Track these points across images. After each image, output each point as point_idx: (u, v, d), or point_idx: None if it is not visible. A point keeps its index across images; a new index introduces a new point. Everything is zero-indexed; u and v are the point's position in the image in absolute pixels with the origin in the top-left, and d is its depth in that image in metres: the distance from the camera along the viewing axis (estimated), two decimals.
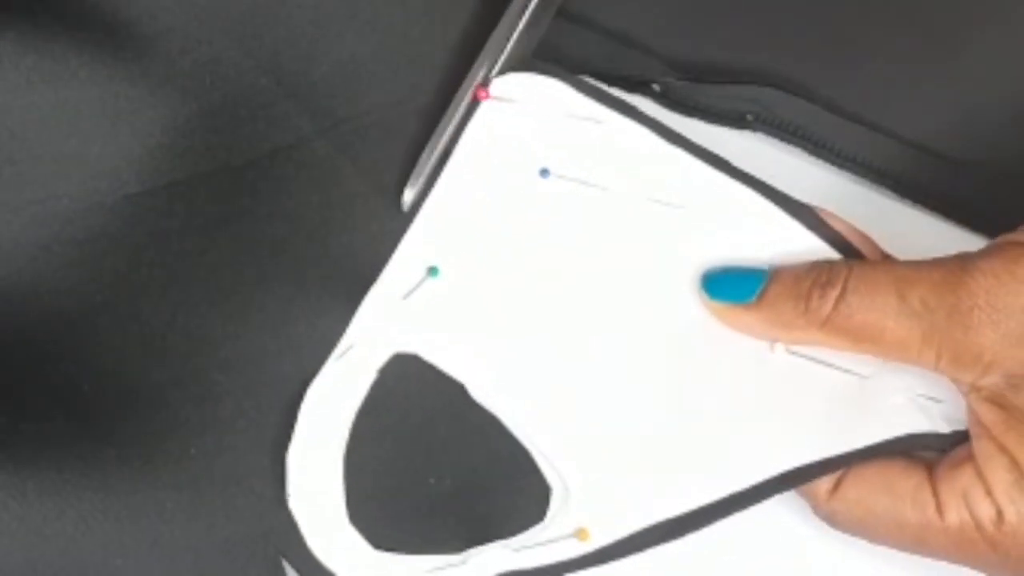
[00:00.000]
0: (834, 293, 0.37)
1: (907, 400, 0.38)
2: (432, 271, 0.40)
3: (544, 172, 0.40)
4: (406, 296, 0.40)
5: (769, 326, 0.38)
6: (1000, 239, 0.37)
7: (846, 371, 0.38)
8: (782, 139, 0.44)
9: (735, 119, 0.44)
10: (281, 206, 0.40)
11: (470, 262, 0.40)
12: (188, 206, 0.40)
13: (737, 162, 0.43)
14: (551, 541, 0.38)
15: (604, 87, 0.42)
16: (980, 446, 0.36)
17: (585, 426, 0.39)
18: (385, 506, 0.38)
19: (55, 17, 0.38)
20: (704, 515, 0.38)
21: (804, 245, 0.39)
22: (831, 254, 0.39)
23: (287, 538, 0.38)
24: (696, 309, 0.39)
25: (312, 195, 0.41)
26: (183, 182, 0.40)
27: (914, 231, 0.43)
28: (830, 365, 0.38)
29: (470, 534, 0.38)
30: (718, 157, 0.40)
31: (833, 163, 0.44)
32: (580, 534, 0.38)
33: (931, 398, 0.38)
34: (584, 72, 0.43)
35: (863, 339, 0.36)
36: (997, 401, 0.36)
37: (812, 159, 0.44)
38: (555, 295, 0.40)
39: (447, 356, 0.39)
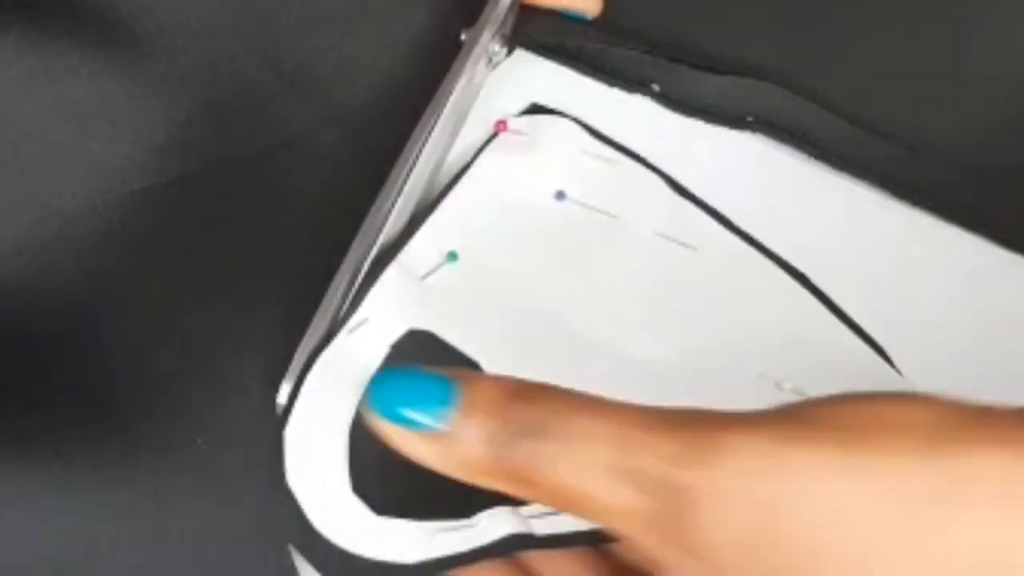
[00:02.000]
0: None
1: None
2: (451, 256, 0.40)
3: (560, 195, 0.42)
4: (424, 277, 0.39)
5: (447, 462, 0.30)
6: None
7: None
8: (782, 140, 0.44)
9: (736, 120, 0.44)
10: (284, 198, 0.40)
11: (487, 256, 0.40)
12: (191, 201, 0.40)
13: (738, 162, 0.44)
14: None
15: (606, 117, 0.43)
16: None
17: None
18: (392, 480, 0.38)
19: (56, 16, 0.38)
20: None
21: (802, 305, 0.41)
22: (822, 312, 0.40)
23: (293, 522, 0.37)
24: (692, 344, 0.40)
25: (315, 187, 0.41)
26: (186, 178, 0.40)
27: (913, 231, 0.43)
28: None
29: (480, 505, 0.38)
30: (720, 214, 0.42)
31: (833, 164, 0.44)
32: None
33: None
34: (579, 62, 0.44)
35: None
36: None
37: (812, 160, 0.44)
38: (562, 307, 0.40)
39: (462, 336, 0.39)
